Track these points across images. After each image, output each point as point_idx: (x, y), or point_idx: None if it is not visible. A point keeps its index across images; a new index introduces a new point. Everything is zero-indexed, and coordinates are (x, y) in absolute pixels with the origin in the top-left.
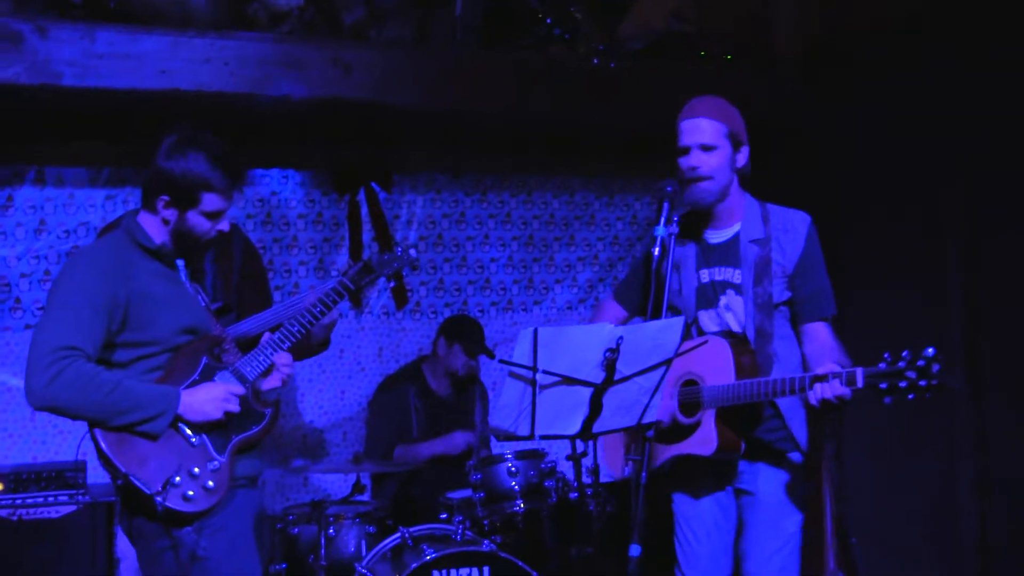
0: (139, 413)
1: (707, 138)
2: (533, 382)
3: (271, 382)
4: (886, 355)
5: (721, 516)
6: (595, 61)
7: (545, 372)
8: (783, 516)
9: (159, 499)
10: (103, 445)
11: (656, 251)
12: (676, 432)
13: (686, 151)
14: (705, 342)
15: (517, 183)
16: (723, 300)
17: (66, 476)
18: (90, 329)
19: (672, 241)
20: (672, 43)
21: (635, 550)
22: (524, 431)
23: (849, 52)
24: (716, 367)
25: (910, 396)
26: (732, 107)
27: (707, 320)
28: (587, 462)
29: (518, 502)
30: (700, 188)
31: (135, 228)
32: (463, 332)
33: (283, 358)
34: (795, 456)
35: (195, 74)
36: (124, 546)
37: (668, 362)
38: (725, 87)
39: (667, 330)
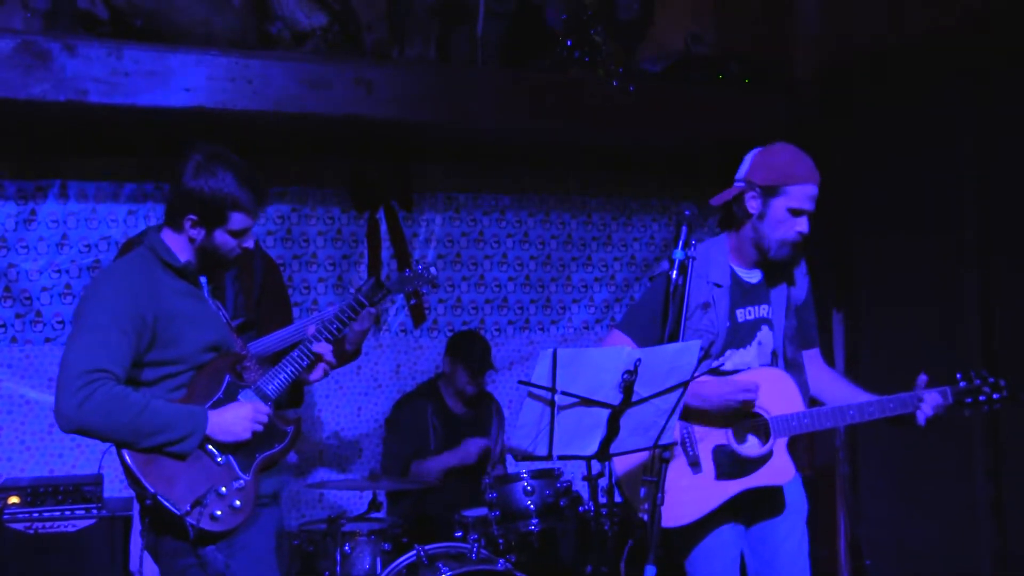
0: (168, 434)
1: (814, 207)
2: (552, 403)
3: (316, 374)
4: (959, 375)
5: (738, 541)
6: (614, 83)
7: (564, 393)
8: (804, 519)
9: (191, 520)
10: (131, 465)
11: (675, 274)
12: (738, 465)
13: (799, 213)
14: (759, 373)
15: (535, 203)
16: (759, 336)
17: (83, 490)
18: (119, 350)
19: (691, 264)
20: (691, 65)
21: (650, 571)
22: (542, 451)
23: (868, 73)
24: (781, 397)
25: (985, 408)
26: None
27: (739, 357)
28: (603, 482)
29: (534, 521)
30: (794, 254)
31: (159, 246)
32: (463, 352)
33: (324, 347)
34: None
35: (219, 92)
36: (139, 561)
37: (685, 384)
38: (743, 109)
39: (684, 353)
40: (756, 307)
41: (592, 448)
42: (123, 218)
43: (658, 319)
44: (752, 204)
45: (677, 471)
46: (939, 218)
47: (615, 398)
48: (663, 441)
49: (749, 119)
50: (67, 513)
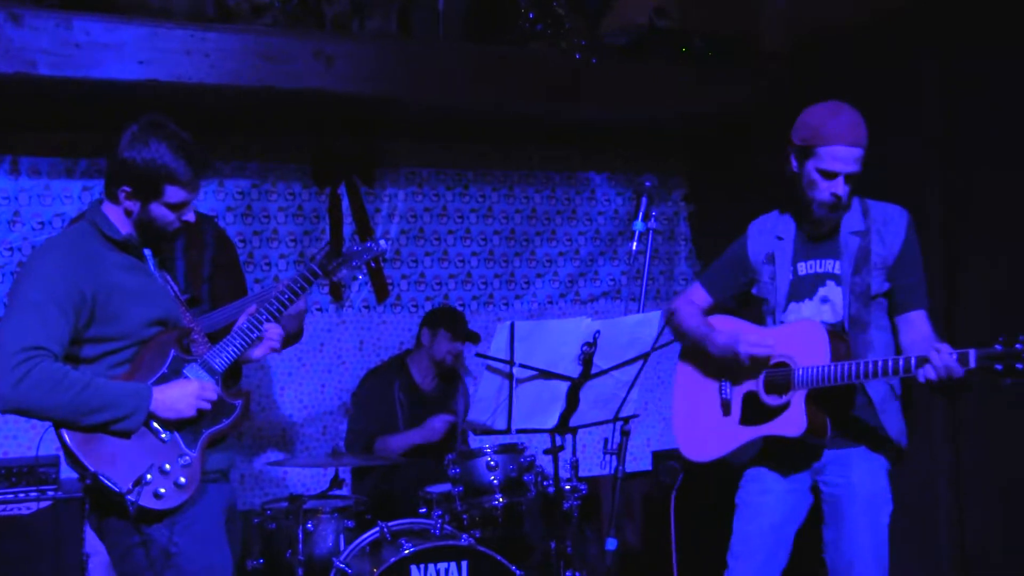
0: (110, 412)
1: (856, 167)
2: (510, 376)
3: (259, 351)
4: (1001, 337)
5: (791, 507)
6: (577, 56)
7: (522, 366)
8: (878, 508)
9: (131, 498)
10: (70, 444)
11: (636, 246)
12: (761, 413)
13: (832, 175)
14: (797, 325)
15: (499, 177)
16: (822, 291)
17: (38, 472)
18: (56, 328)
19: (651, 236)
20: (655, 40)
21: (611, 544)
22: (501, 425)
23: (835, 48)
24: (810, 349)
25: None
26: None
27: (800, 311)
28: (566, 456)
29: (497, 496)
30: (834, 216)
31: (100, 219)
32: (446, 318)
33: (272, 330)
34: (888, 447)
35: (175, 65)
36: (93, 542)
37: (645, 356)
38: (708, 84)
39: (644, 324)
40: (820, 261)
41: (552, 421)
42: (78, 194)
43: (729, 271)
44: (793, 164)
45: (709, 411)
46: (906, 196)
47: (574, 370)
48: (624, 413)
49: (714, 94)
50: (21, 495)
